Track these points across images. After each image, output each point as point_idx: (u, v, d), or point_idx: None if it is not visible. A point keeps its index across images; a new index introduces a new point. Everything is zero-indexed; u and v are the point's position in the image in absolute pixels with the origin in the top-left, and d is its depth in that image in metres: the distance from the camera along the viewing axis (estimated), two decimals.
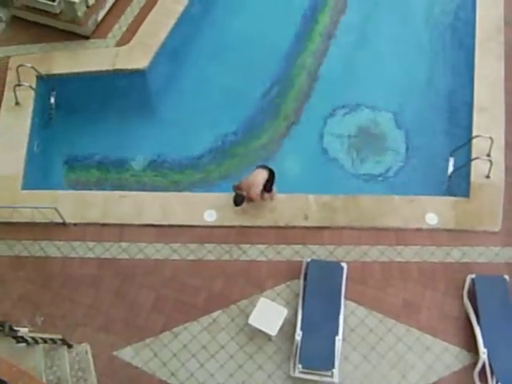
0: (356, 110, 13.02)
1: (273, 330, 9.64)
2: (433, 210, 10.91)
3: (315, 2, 14.83)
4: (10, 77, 12.66)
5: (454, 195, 11.27)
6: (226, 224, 10.80)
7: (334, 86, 13.25)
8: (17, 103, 12.30)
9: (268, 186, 10.63)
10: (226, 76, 13.41)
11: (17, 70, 12.18)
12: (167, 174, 12.40)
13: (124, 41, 13.30)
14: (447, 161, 11.83)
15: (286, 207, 10.98)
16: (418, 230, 10.78)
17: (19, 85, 12.16)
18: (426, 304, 10.18)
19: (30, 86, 12.28)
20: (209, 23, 14.25)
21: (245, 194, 10.49)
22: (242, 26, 14.09)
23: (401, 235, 10.78)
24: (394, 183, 12.10)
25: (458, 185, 11.50)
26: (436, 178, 11.89)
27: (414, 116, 12.98)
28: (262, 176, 10.48)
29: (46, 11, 13.35)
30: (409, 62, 13.71)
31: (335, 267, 10.17)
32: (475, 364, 9.51)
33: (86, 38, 13.38)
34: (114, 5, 13.91)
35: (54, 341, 9.51)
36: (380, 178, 12.18)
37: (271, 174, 10.55)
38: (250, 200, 10.63)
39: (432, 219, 10.82)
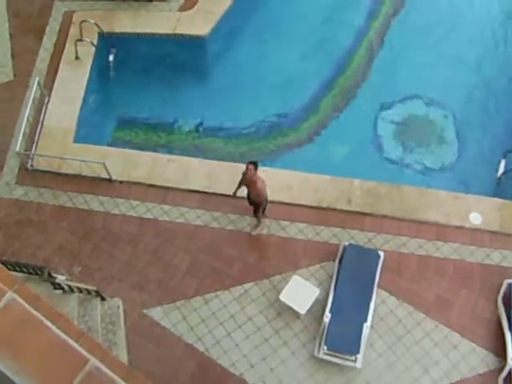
0: (411, 99, 12.83)
1: (302, 309, 9.71)
2: (478, 210, 10.74)
3: None
4: (73, 31, 12.85)
5: (502, 197, 11.06)
6: (269, 199, 10.79)
7: (391, 72, 13.06)
8: (77, 58, 12.51)
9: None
10: (283, 51, 13.32)
11: (80, 26, 12.36)
12: (215, 141, 12.49)
13: (187, 6, 13.30)
14: (499, 162, 11.61)
15: (330, 189, 10.95)
16: (460, 227, 10.63)
17: (81, 40, 12.35)
18: (458, 302, 10.10)
19: (91, 42, 12.46)
20: None
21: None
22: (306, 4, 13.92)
23: (442, 231, 10.66)
24: (441, 177, 11.95)
25: (507, 187, 11.28)
26: (485, 178, 11.71)
27: (469, 112, 12.74)
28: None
29: None
30: (471, 56, 13.39)
31: (372, 254, 10.15)
32: (501, 369, 9.42)
33: (150, 0, 13.45)
34: None
35: (88, 292, 9.76)
36: (427, 171, 12.03)
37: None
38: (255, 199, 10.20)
39: (476, 219, 10.66)
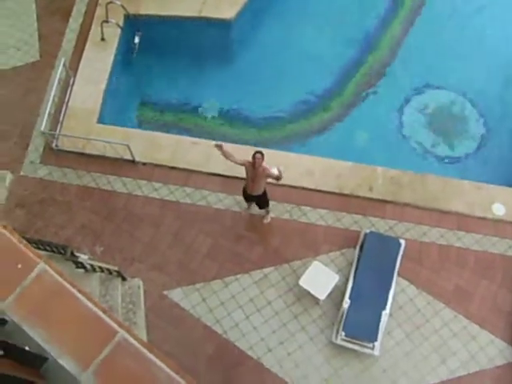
0: (438, 89, 12.66)
1: (321, 294, 9.73)
2: (501, 201, 10.64)
3: None
4: (99, 12, 12.88)
5: None
6: (291, 184, 10.80)
7: (419, 60, 12.90)
8: (102, 39, 12.56)
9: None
10: (307, 36, 13.24)
11: (106, 7, 12.37)
12: (239, 126, 12.46)
13: None
14: None
15: (352, 176, 10.91)
16: (483, 218, 10.55)
17: (106, 21, 12.39)
18: (478, 293, 10.04)
19: (117, 24, 12.49)
20: None
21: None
22: None
23: (463, 221, 10.58)
24: (464, 167, 11.83)
25: None
26: (509, 169, 11.55)
27: (496, 104, 12.55)
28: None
29: None
30: (504, 50, 13.17)
31: (393, 242, 10.12)
32: None
33: None
34: None
35: (110, 271, 9.88)
36: (451, 161, 11.92)
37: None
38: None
39: (499, 209, 10.56)
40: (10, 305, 2.59)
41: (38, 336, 2.50)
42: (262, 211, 10.61)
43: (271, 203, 10.42)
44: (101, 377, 2.43)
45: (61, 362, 2.44)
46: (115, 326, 2.53)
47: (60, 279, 2.69)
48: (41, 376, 2.39)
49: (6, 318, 2.61)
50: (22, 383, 2.30)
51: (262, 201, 10.20)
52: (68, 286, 2.66)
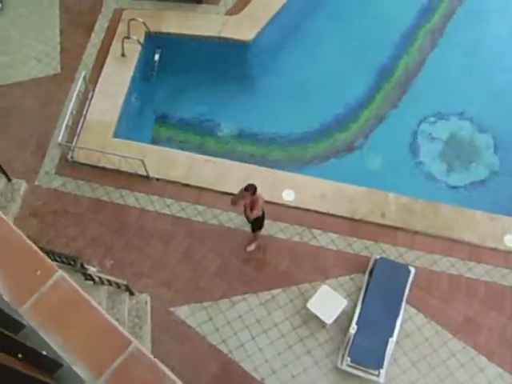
0: (454, 117, 12.71)
1: (329, 319, 9.68)
2: None
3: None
4: (121, 28, 13.10)
5: None
6: (303, 206, 10.84)
7: (435, 89, 12.97)
8: (123, 54, 12.73)
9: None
10: (325, 61, 13.36)
11: (128, 23, 12.58)
12: (254, 146, 12.55)
13: (234, 10, 13.44)
14: None
15: (364, 201, 10.92)
16: (494, 249, 10.49)
17: (128, 37, 12.57)
18: (487, 325, 9.94)
19: (138, 41, 12.66)
20: (320, 6, 14.14)
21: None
22: (356, 11, 13.98)
23: (475, 251, 10.52)
24: (477, 197, 11.82)
25: None
26: None
27: (509, 134, 12.55)
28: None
29: None
30: None
31: (403, 270, 10.07)
32: None
33: (199, 2, 13.59)
34: None
35: (118, 285, 9.89)
36: (464, 190, 11.92)
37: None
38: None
39: (511, 241, 10.52)
40: (28, 310, 2.62)
41: (54, 342, 2.52)
42: (251, 236, 10.58)
43: (284, 225, 10.46)
44: None
45: (75, 368, 2.46)
46: (129, 336, 2.56)
47: (77, 288, 2.73)
48: (54, 379, 2.42)
49: (24, 323, 2.65)
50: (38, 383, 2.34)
51: (252, 225, 10.18)
52: (84, 294, 2.70)
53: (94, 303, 2.64)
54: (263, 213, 9.95)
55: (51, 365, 2.52)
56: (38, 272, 2.75)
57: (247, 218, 10.03)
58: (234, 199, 9.82)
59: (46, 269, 2.78)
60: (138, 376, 2.47)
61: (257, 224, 10.16)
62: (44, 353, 2.52)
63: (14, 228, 2.96)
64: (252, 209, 9.65)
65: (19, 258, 2.88)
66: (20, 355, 2.37)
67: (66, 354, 2.50)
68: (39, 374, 2.34)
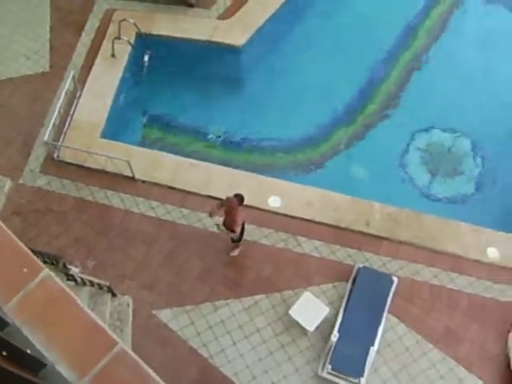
0: (440, 129, 12.78)
1: (310, 326, 9.69)
2: (496, 245, 10.68)
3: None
4: (112, 29, 13.06)
5: None
6: (288, 213, 10.86)
7: (423, 100, 13.04)
8: (113, 55, 12.70)
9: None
10: (316, 68, 13.37)
11: (119, 24, 12.55)
12: (240, 151, 12.54)
13: (226, 15, 13.46)
14: None
15: (350, 209, 10.96)
16: (477, 261, 10.57)
17: (118, 38, 12.54)
18: (468, 337, 10.01)
19: (128, 41, 12.64)
20: (311, 13, 14.18)
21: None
22: (343, 22, 14.01)
23: (457, 262, 10.60)
24: (461, 209, 11.88)
25: None
26: (506, 213, 11.62)
27: (496, 147, 12.66)
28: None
29: None
30: (500, 92, 13.34)
31: (385, 279, 10.12)
32: None
33: (191, 5, 13.58)
34: None
35: (100, 286, 9.82)
36: (448, 201, 11.98)
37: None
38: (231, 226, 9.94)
39: (494, 254, 10.60)
40: (13, 308, 2.59)
41: (38, 341, 2.49)
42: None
43: (267, 231, 10.49)
44: None
45: (58, 368, 2.44)
46: (114, 336, 2.54)
47: (63, 287, 2.70)
48: (38, 378, 2.39)
49: (8, 321, 2.61)
50: (24, 381, 2.30)
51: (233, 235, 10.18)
52: (71, 294, 2.67)
53: (80, 303, 2.62)
54: (243, 225, 9.99)
55: (35, 364, 2.49)
56: (25, 270, 2.72)
57: (226, 226, 9.97)
58: (216, 207, 9.87)
59: (33, 267, 2.76)
60: (122, 377, 2.45)
61: (238, 236, 10.18)
62: (28, 351, 2.50)
63: (1, 225, 2.93)
64: (233, 219, 9.63)
65: (5, 256, 2.85)
66: (4, 353, 2.34)
67: (49, 353, 2.47)
68: (24, 372, 2.30)
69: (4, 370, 2.18)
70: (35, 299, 2.64)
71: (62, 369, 2.43)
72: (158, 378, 2.55)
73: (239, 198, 9.52)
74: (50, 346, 2.49)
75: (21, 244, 2.91)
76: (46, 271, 2.71)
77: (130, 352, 2.54)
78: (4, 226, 2.93)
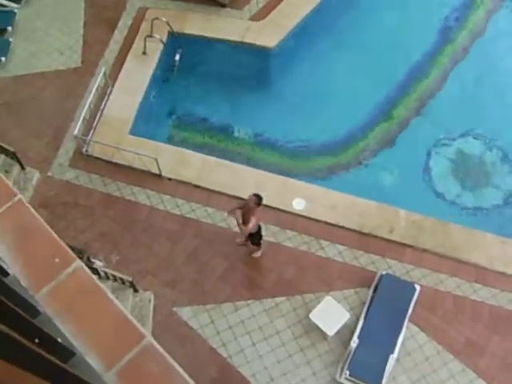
0: (471, 137, 12.62)
1: (330, 330, 9.66)
2: None
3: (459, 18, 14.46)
4: (144, 27, 13.18)
5: None
6: (312, 216, 10.84)
7: (454, 107, 12.89)
8: (144, 53, 12.81)
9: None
10: (348, 71, 13.34)
11: (151, 22, 12.66)
12: (267, 153, 12.54)
13: (258, 16, 13.48)
14: None
15: (374, 215, 10.89)
16: (502, 273, 10.41)
17: (150, 36, 12.65)
18: (489, 349, 9.87)
19: (161, 40, 12.74)
20: (344, 17, 14.14)
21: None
22: (377, 25, 13.93)
23: (482, 274, 10.45)
24: (489, 220, 11.72)
25: None
26: None
27: None
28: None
29: None
30: None
31: (408, 287, 10.04)
32: None
33: (223, 5, 13.65)
34: None
35: (123, 281, 9.90)
36: (476, 211, 11.82)
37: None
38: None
39: None
40: (44, 297, 2.63)
41: (68, 331, 2.53)
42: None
43: (291, 233, 10.53)
44: (124, 379, 2.45)
45: (87, 358, 2.47)
46: (142, 330, 2.57)
47: (94, 278, 2.74)
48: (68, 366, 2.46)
49: (40, 310, 2.66)
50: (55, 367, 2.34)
51: (251, 239, 10.18)
52: (102, 286, 2.71)
53: (111, 295, 2.66)
54: (259, 227, 9.97)
55: (65, 352, 2.53)
56: (57, 260, 2.77)
57: (241, 229, 9.96)
58: (236, 208, 9.90)
59: (65, 257, 2.80)
60: (149, 370, 2.48)
61: (255, 238, 10.18)
62: (59, 340, 2.54)
63: (36, 214, 2.98)
64: (246, 220, 9.63)
65: (39, 245, 2.90)
66: (37, 340, 2.38)
67: (79, 343, 2.51)
68: (55, 359, 2.35)
69: (38, 355, 2.23)
70: (66, 289, 2.68)
71: (91, 359, 2.47)
72: (184, 373, 2.57)
73: (257, 198, 9.47)
74: (80, 336, 2.53)
75: (54, 234, 2.96)
76: (78, 262, 2.76)
77: (158, 346, 2.57)
78: (38, 216, 2.99)
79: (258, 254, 10.65)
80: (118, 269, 10.28)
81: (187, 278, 10.48)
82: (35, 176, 11.42)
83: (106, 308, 2.60)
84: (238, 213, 9.81)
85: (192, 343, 9.91)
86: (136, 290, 10.13)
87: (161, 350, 2.55)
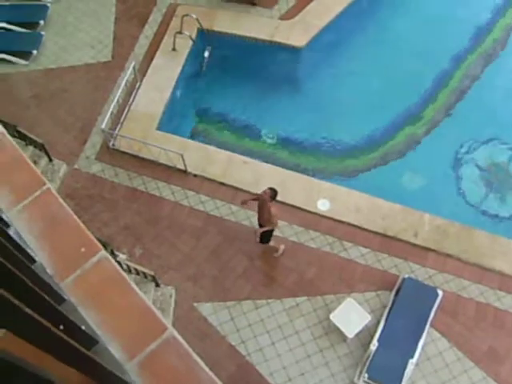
0: (499, 144, 12.48)
1: (350, 332, 9.62)
2: None
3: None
4: (174, 23, 13.27)
5: None
6: (336, 217, 10.80)
7: (483, 113, 12.72)
8: (173, 49, 12.88)
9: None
10: (375, 74, 13.25)
11: (181, 19, 12.71)
12: (294, 152, 12.51)
13: (288, 16, 13.50)
14: None
15: (398, 219, 10.81)
16: None
17: (180, 32, 12.71)
18: (511, 358, 9.76)
19: (190, 36, 12.80)
20: (373, 19, 14.09)
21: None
22: (405, 29, 13.83)
23: (506, 281, 10.32)
24: None
25: None
26: None
27: None
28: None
29: None
30: None
31: (430, 292, 9.95)
32: None
33: (253, 4, 13.68)
34: None
35: (145, 275, 9.96)
36: (501, 218, 11.67)
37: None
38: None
39: None
40: (69, 285, 2.67)
41: (92, 319, 2.56)
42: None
43: (315, 234, 10.47)
44: (145, 369, 2.47)
45: (109, 347, 2.50)
46: (165, 322, 2.59)
47: (119, 269, 2.77)
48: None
49: (65, 297, 2.69)
50: (79, 353, 2.39)
51: (262, 235, 10.11)
52: (126, 276, 2.73)
53: (134, 286, 2.68)
54: (272, 229, 9.99)
55: (88, 340, 2.56)
56: (83, 249, 2.80)
57: (259, 221, 10.05)
58: (250, 199, 10.00)
59: (91, 247, 2.83)
60: (171, 363, 2.50)
61: (266, 237, 10.15)
62: (83, 328, 2.57)
63: (63, 204, 3.02)
64: (260, 214, 9.66)
65: (65, 234, 2.94)
66: (61, 326, 2.42)
67: (102, 332, 2.54)
68: (79, 345, 2.38)
69: (63, 341, 2.26)
70: (91, 279, 2.71)
71: (113, 348, 2.50)
72: (205, 367, 2.59)
73: (272, 192, 9.43)
74: (103, 325, 2.56)
75: (81, 223, 3.00)
76: (103, 252, 2.79)
77: (180, 339, 2.58)
78: (65, 205, 3.02)
79: (278, 253, 10.65)
80: (141, 262, 10.35)
81: (208, 274, 10.52)
82: (62, 168, 11.55)
83: (130, 298, 2.63)
84: (254, 203, 9.82)
85: (211, 339, 9.94)
86: (158, 285, 10.19)
87: (183, 342, 2.57)
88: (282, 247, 10.60)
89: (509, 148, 12.47)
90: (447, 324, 9.97)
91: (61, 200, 3.04)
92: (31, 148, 11.29)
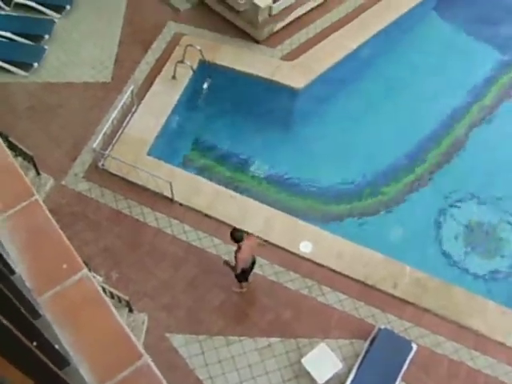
0: (483, 204, 12.63)
1: (321, 378, 9.50)
2: None
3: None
4: (177, 52, 13.38)
5: None
6: (317, 261, 10.75)
7: (470, 173, 12.93)
8: (173, 77, 12.98)
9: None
10: (368, 124, 13.42)
11: (185, 48, 12.85)
12: (280, 192, 12.56)
13: (290, 57, 13.67)
14: None
15: (380, 268, 10.79)
16: (501, 344, 10.22)
17: (182, 62, 12.82)
18: None
19: (191, 67, 12.89)
20: (372, 69, 14.33)
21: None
22: (406, 81, 14.10)
23: (481, 342, 10.26)
24: (492, 288, 11.60)
25: None
26: None
27: None
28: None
29: (231, 6, 13.96)
30: None
31: (405, 345, 9.87)
32: None
33: (257, 42, 13.87)
34: (292, 22, 14.29)
35: (119, 299, 9.80)
36: (482, 278, 11.72)
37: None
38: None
39: None
40: (47, 301, 2.61)
41: (65, 338, 2.49)
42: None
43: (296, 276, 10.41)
44: None
45: (80, 369, 2.43)
46: (141, 349, 2.53)
47: (99, 290, 2.71)
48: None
49: (41, 313, 2.63)
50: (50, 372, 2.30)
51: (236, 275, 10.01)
52: (106, 299, 2.68)
53: (113, 309, 2.62)
54: (251, 267, 9.96)
55: (60, 360, 2.49)
56: (64, 265, 2.75)
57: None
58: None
59: (73, 264, 2.78)
60: None
61: (241, 275, 10.03)
62: (56, 347, 2.50)
63: (50, 217, 2.97)
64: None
65: (49, 248, 2.89)
66: (35, 343, 2.35)
67: (74, 352, 2.47)
68: (51, 364, 2.31)
69: (36, 358, 2.19)
70: (70, 297, 2.65)
71: (84, 371, 2.43)
72: None
73: (231, 233, 9.50)
74: (76, 345, 2.49)
75: (65, 239, 2.95)
76: (86, 271, 2.74)
77: (155, 369, 2.52)
78: (52, 219, 2.98)
79: (236, 289, 10.54)
80: (117, 286, 10.20)
81: (184, 305, 10.38)
82: (49, 182, 11.44)
83: (107, 322, 2.56)
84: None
85: (179, 371, 9.75)
86: (131, 310, 10.03)
87: (157, 373, 2.50)
88: (243, 290, 10.52)
89: (495, 208, 12.60)
90: (419, 379, 9.87)
91: (48, 213, 3.00)
92: (20, 159, 11.20)
